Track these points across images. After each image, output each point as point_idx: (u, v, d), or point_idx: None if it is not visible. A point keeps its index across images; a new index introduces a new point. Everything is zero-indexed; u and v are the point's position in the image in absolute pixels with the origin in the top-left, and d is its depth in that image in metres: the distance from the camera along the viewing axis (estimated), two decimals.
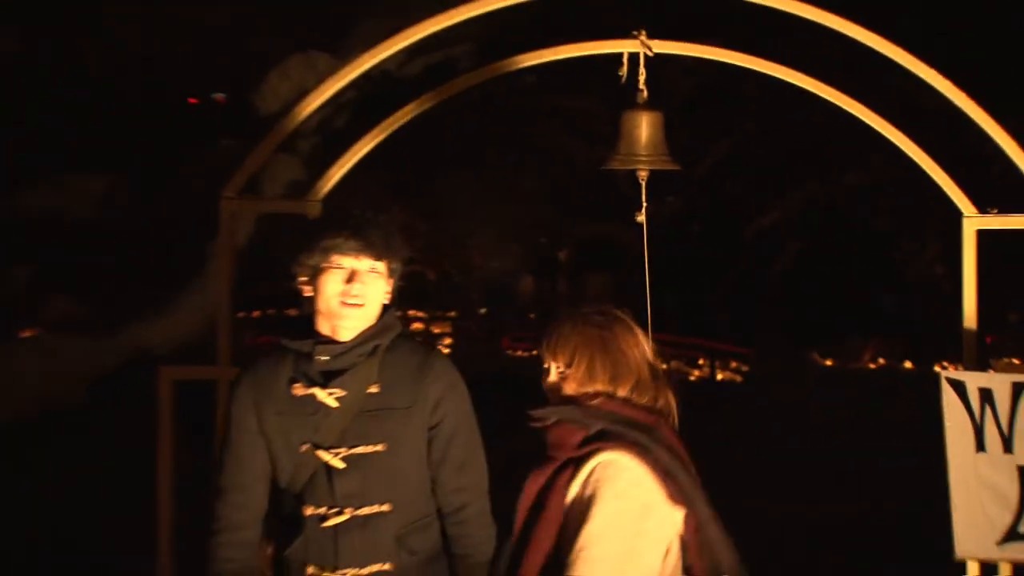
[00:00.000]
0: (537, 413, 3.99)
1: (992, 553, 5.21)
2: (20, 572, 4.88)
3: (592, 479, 3.92)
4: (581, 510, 3.90)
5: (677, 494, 3.92)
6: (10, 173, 11.44)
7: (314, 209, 5.70)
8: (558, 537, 3.91)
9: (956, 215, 5.49)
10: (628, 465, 3.89)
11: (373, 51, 6.14)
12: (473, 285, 33.09)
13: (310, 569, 4.02)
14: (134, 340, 11.41)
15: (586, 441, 3.94)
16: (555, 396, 4.06)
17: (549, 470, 3.96)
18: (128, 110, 11.27)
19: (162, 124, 11.35)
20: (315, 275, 4.01)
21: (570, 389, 4.02)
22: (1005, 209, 5.48)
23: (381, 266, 4.02)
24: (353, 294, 3.97)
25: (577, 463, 3.93)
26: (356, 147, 5.75)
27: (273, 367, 4.05)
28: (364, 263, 3.98)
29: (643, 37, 5.41)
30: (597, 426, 3.95)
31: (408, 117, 5.76)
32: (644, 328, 4.48)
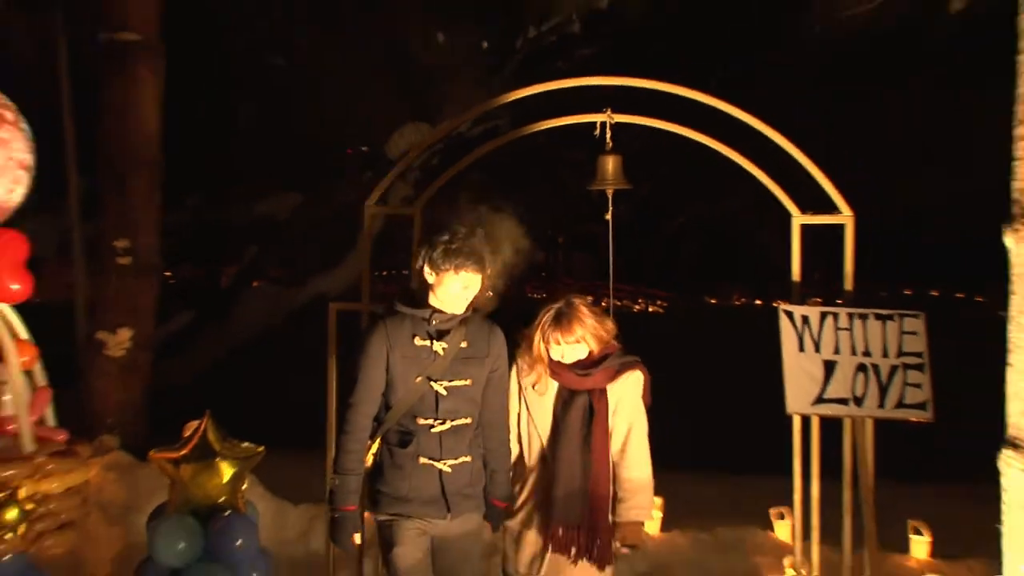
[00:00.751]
0: (589, 371, 4.10)
1: (808, 410, 5.20)
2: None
3: (627, 389, 4.16)
4: (622, 408, 4.15)
5: None
6: (245, 192, 11.49)
7: (417, 213, 5.60)
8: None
9: (788, 215, 5.50)
10: (641, 377, 4.18)
11: (451, 122, 6.16)
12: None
13: (422, 459, 3.87)
14: (314, 288, 11.45)
15: (616, 372, 4.12)
16: (581, 359, 4.11)
17: (598, 392, 4.11)
18: (311, 157, 11.28)
19: (332, 164, 11.36)
20: (439, 271, 3.83)
21: (596, 348, 4.11)
22: (816, 211, 5.48)
23: (483, 278, 3.90)
24: (465, 295, 3.87)
25: (611, 384, 4.14)
26: (442, 177, 5.71)
27: (399, 324, 3.88)
28: (476, 278, 3.86)
29: (609, 112, 5.36)
30: (620, 362, 4.14)
31: (472, 159, 5.71)
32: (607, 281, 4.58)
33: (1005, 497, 4.30)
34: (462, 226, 3.90)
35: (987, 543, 4.83)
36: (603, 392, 4.11)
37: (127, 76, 7.57)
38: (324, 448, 5.50)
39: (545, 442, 4.12)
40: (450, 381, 3.88)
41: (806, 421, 5.37)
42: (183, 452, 4.46)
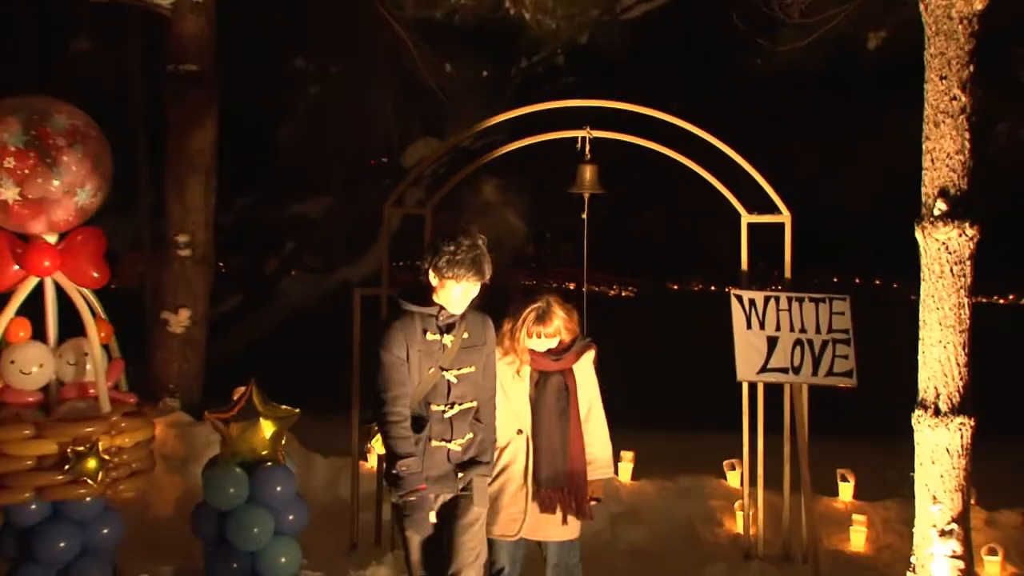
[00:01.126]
0: (561, 356, 4.08)
1: (754, 377, 5.21)
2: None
3: (587, 367, 4.18)
4: (584, 383, 4.16)
5: None
6: (284, 196, 11.47)
7: (428, 213, 5.56)
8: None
9: (737, 215, 5.48)
10: (593, 352, 4.20)
11: (457, 137, 6.14)
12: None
13: (434, 442, 3.64)
14: (342, 276, 11.39)
15: (579, 353, 4.13)
16: (557, 345, 4.08)
17: (568, 372, 4.10)
18: (340, 166, 11.23)
19: (357, 172, 11.31)
20: (443, 278, 3.56)
21: (567, 339, 4.08)
22: (761, 212, 5.47)
23: (480, 284, 3.65)
24: (464, 299, 3.63)
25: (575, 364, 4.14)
26: (449, 183, 5.68)
27: (410, 322, 3.60)
28: (475, 287, 3.62)
29: (588, 129, 5.33)
30: (582, 344, 4.13)
31: (473, 168, 5.68)
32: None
33: (917, 449, 4.31)
34: (466, 238, 3.59)
35: (902, 487, 4.84)
36: (571, 371, 4.11)
37: (187, 100, 7.63)
38: (349, 409, 5.49)
39: (520, 417, 4.05)
40: (459, 369, 3.67)
41: (753, 387, 5.37)
42: (232, 413, 4.47)
